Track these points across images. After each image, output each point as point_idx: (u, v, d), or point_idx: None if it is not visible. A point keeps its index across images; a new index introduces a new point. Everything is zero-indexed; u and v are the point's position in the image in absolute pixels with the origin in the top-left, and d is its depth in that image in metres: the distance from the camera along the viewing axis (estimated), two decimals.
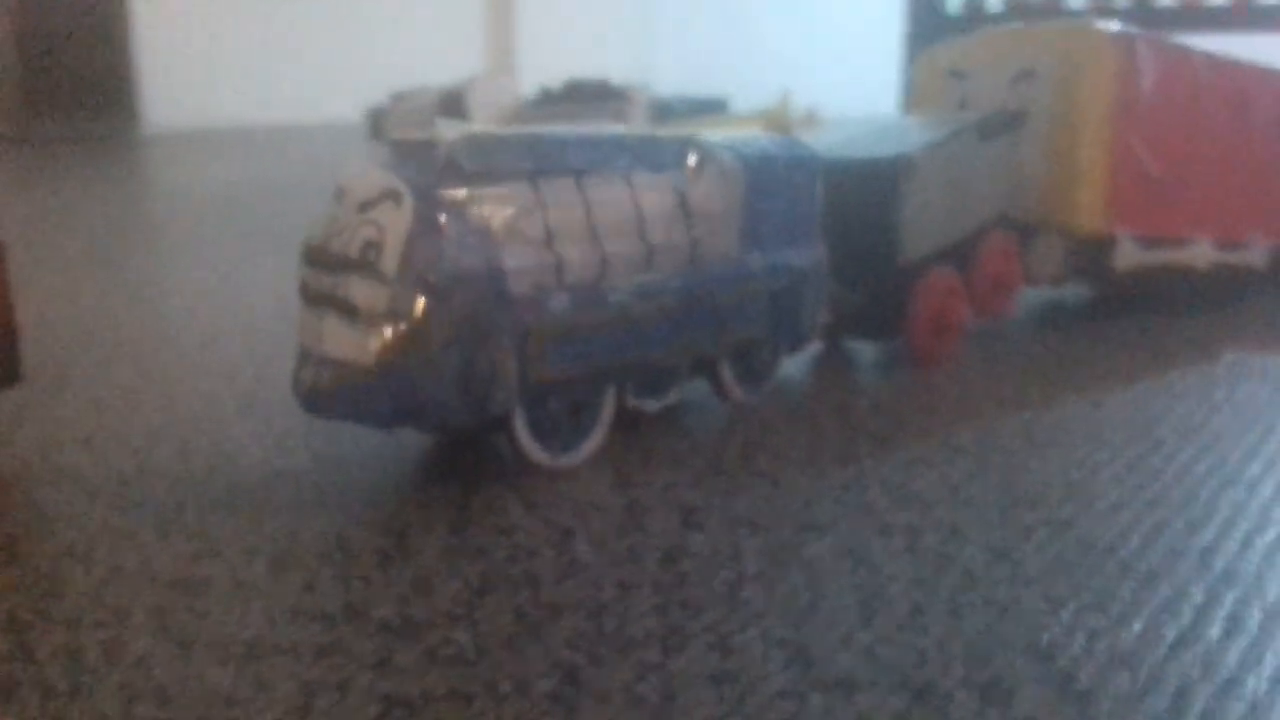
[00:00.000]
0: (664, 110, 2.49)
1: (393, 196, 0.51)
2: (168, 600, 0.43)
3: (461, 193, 0.52)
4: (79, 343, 0.83)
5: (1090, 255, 0.85)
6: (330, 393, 0.52)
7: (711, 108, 2.74)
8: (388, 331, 0.50)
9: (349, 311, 0.51)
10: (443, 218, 0.51)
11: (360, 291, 0.51)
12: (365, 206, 0.52)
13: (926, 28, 2.58)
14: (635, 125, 2.24)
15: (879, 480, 0.55)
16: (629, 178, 0.58)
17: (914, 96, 0.92)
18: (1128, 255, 0.86)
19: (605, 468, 0.56)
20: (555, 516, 0.50)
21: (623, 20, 4.71)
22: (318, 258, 0.53)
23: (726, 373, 0.64)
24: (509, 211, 0.53)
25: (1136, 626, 0.40)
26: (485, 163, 0.53)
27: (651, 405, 0.62)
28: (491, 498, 0.53)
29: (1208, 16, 2.30)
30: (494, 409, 0.52)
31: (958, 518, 0.50)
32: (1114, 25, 0.83)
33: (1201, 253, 0.90)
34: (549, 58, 4.14)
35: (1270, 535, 0.48)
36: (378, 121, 2.48)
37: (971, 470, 0.56)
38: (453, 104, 2.31)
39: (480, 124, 0.56)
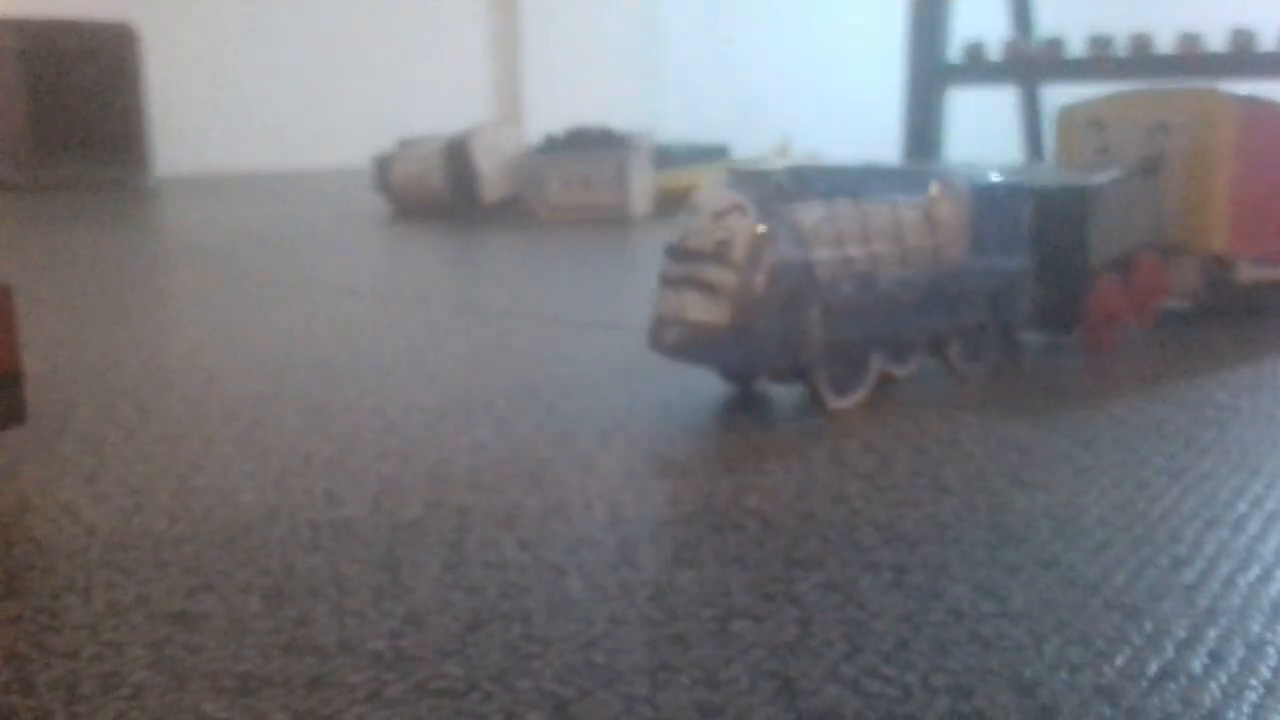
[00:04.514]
0: (666, 157, 2.51)
1: (739, 208, 0.71)
2: (164, 634, 0.43)
3: (786, 206, 0.72)
4: (82, 384, 0.84)
5: (1217, 272, 1.05)
6: (691, 345, 0.72)
7: (713, 154, 2.77)
8: (737, 302, 0.69)
9: (707, 288, 0.70)
10: (775, 223, 0.71)
11: (716, 274, 0.70)
12: (718, 215, 0.71)
13: (928, 76, 2.61)
14: (638, 169, 2.26)
15: (868, 519, 0.55)
16: (891, 198, 0.77)
17: (1056, 143, 1.12)
18: (1247, 272, 1.05)
19: (596, 506, 0.57)
20: (547, 554, 0.51)
21: (627, 69, 4.77)
22: (678, 252, 0.73)
23: (955, 351, 0.82)
24: (815, 220, 0.72)
25: (1119, 661, 0.41)
26: (800, 186, 0.74)
27: (899, 370, 0.79)
28: (485, 535, 0.53)
29: (1204, 63, 2.33)
30: (803, 361, 0.72)
31: (945, 555, 0.51)
32: (1236, 90, 1.03)
33: None
34: (554, 106, 4.19)
35: (1254, 573, 0.49)
36: (384, 168, 2.51)
37: (959, 509, 0.57)
38: (458, 151, 2.33)
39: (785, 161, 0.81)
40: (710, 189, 0.73)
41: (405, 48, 4.35)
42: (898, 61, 2.62)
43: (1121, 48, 2.40)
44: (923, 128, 2.55)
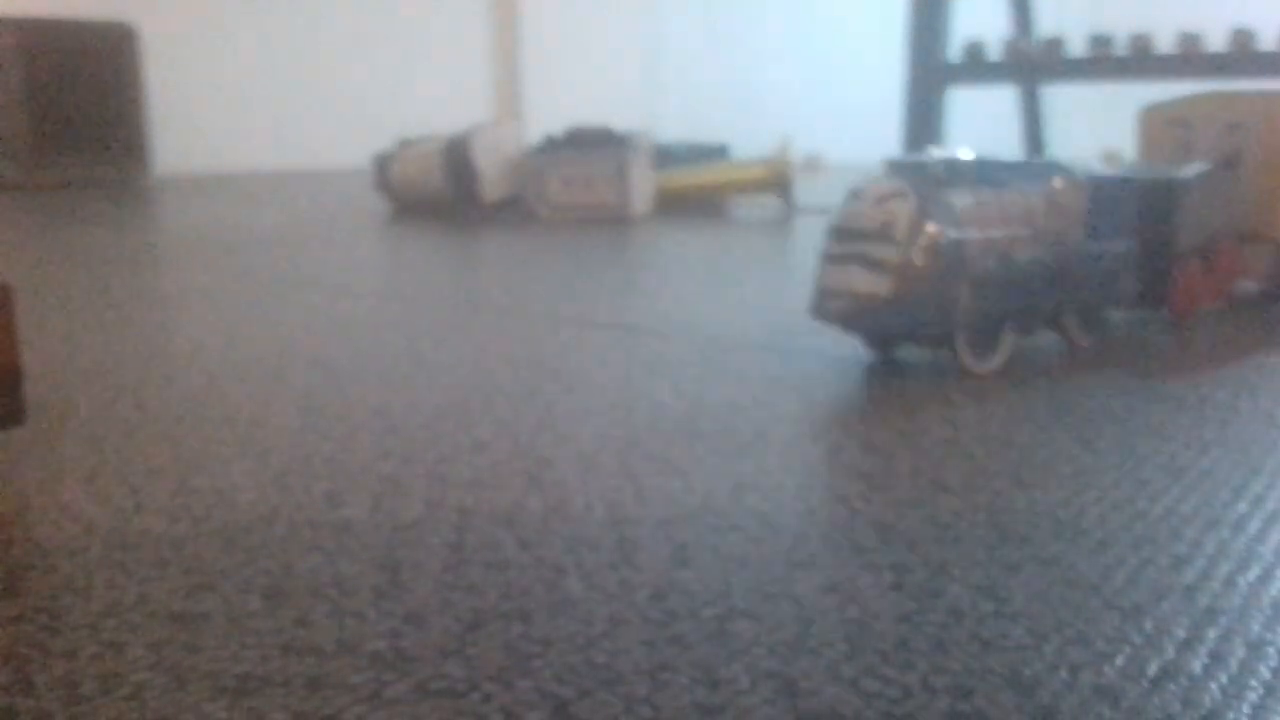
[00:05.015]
0: (666, 156, 2.51)
1: (900, 194, 0.82)
2: (164, 634, 0.43)
3: (941, 192, 0.82)
4: (82, 384, 0.84)
5: None
6: (856, 314, 0.83)
7: (713, 154, 2.77)
8: (899, 276, 0.80)
9: (871, 264, 0.81)
10: (933, 207, 0.81)
11: (879, 251, 0.81)
12: (881, 200, 0.82)
13: (928, 75, 2.61)
14: (638, 169, 2.26)
15: (868, 518, 0.55)
16: (1023, 187, 0.87)
17: (1141, 142, 1.24)
18: None
19: (598, 505, 0.57)
20: (547, 554, 0.51)
21: (627, 69, 4.77)
22: (842, 232, 0.84)
23: (1071, 324, 0.93)
24: (965, 205, 0.83)
25: (1119, 661, 0.41)
26: (953, 175, 0.84)
27: (1025, 340, 0.90)
28: (485, 535, 0.53)
29: (1204, 63, 2.33)
30: (951, 329, 0.82)
31: (945, 555, 0.51)
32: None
33: None
34: (554, 106, 4.19)
35: (1254, 573, 0.49)
36: (384, 167, 2.51)
37: (959, 509, 0.57)
38: (458, 150, 2.33)
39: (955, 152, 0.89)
40: (872, 178, 0.86)
41: (405, 47, 4.35)
42: (898, 61, 2.62)
43: (1121, 47, 2.41)
44: (923, 127, 2.55)
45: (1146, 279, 1.02)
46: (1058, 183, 0.89)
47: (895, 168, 0.85)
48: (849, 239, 0.83)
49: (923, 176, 0.83)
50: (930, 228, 0.80)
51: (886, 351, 0.90)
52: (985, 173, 0.86)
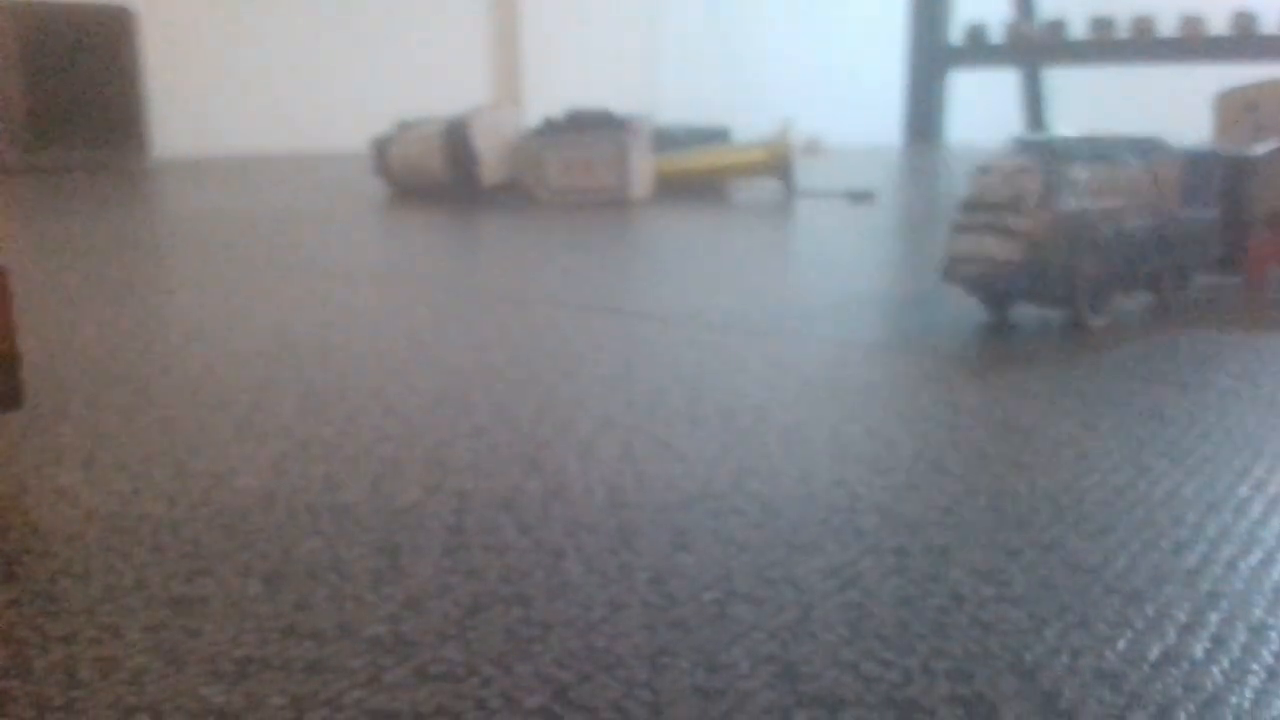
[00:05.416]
0: (666, 139, 2.50)
1: (1028, 170, 0.91)
2: (162, 617, 0.43)
3: (1065, 167, 0.91)
4: (80, 367, 0.84)
5: None
6: (990, 278, 0.91)
7: (713, 137, 2.76)
8: (1030, 243, 0.89)
9: (1003, 232, 0.90)
10: (1057, 180, 0.90)
11: (1011, 221, 0.90)
12: (1010, 175, 0.91)
13: (929, 58, 2.60)
14: (638, 152, 2.25)
15: (869, 503, 0.55)
16: (1127, 161, 0.97)
17: (1217, 123, 1.35)
18: None
19: (597, 489, 0.57)
20: (547, 537, 0.51)
21: (627, 51, 4.75)
22: (975, 205, 0.92)
23: (1165, 284, 1.04)
24: (1085, 178, 0.92)
25: (1120, 645, 0.41)
26: (1073, 152, 0.92)
27: (1125, 304, 1.02)
28: (485, 519, 0.53)
29: (1206, 46, 2.32)
30: (1076, 291, 0.91)
31: (946, 539, 0.50)
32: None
33: None
34: (554, 88, 4.17)
35: (1256, 557, 0.48)
36: (383, 150, 2.50)
37: (960, 494, 0.56)
38: (457, 134, 2.32)
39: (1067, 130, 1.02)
40: (1002, 155, 0.95)
41: (405, 30, 4.33)
42: (899, 44, 2.60)
43: (1123, 29, 2.39)
44: (924, 109, 2.55)
45: (1224, 246, 1.12)
46: (1159, 157, 1.00)
47: (1023, 145, 0.95)
48: (980, 210, 0.92)
49: (1047, 153, 0.92)
50: (1057, 199, 0.89)
51: (1002, 313, 0.98)
52: (1100, 149, 0.96)
